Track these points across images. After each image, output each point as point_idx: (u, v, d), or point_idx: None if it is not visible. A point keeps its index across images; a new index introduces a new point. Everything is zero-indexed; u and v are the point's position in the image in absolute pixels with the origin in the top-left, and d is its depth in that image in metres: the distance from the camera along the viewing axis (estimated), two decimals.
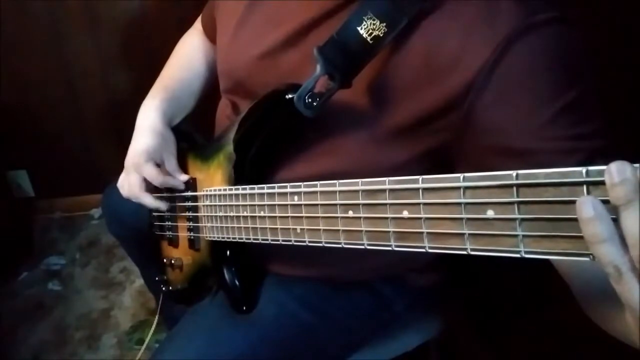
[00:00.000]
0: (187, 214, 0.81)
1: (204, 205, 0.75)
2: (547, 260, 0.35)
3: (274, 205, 0.58)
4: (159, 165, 0.80)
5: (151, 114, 0.80)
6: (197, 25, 0.99)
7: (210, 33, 0.92)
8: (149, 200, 0.81)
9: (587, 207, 0.30)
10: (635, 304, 0.31)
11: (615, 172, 0.30)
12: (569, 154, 0.51)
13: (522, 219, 0.35)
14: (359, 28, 0.57)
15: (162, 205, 0.83)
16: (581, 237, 0.32)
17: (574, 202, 0.32)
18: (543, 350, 1.04)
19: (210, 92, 0.95)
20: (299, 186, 0.53)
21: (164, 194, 0.84)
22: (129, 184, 0.81)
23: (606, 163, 0.30)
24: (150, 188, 0.81)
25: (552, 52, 0.53)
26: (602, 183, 0.30)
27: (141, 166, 0.78)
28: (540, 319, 1.04)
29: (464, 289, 1.01)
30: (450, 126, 0.58)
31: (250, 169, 0.71)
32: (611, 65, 0.81)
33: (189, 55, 0.96)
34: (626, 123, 0.76)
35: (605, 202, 0.31)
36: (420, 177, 0.40)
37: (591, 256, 0.32)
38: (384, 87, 0.60)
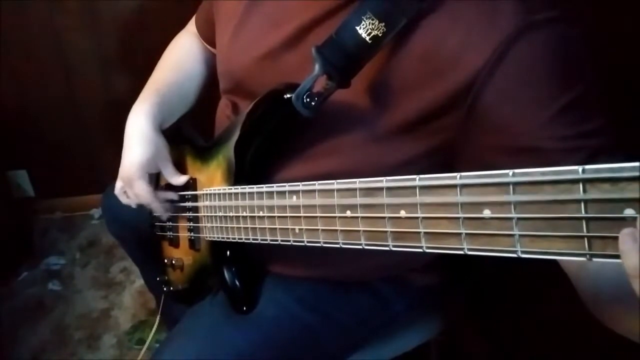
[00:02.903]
0: (187, 214, 0.81)
1: (203, 206, 0.75)
2: (546, 259, 0.35)
3: (273, 205, 0.57)
4: (158, 173, 0.80)
5: (141, 119, 0.79)
6: (190, 28, 0.97)
7: (206, 34, 0.91)
8: (158, 207, 0.82)
9: (627, 239, 0.30)
10: None
11: None
12: (571, 152, 0.51)
13: (519, 219, 0.34)
14: (357, 28, 0.57)
15: (166, 214, 0.84)
16: (578, 237, 0.32)
17: (570, 201, 0.32)
18: (543, 349, 1.04)
19: (210, 92, 0.95)
20: (298, 185, 0.53)
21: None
22: (136, 194, 0.80)
23: (609, 161, 0.30)
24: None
25: (553, 51, 0.52)
26: (599, 181, 0.30)
27: (134, 181, 0.78)
28: (540, 319, 1.04)
29: (464, 288, 1.01)
30: (451, 125, 0.58)
31: (250, 170, 0.70)
32: (612, 64, 0.81)
33: (180, 58, 0.94)
34: (629, 121, 0.76)
35: (604, 201, 0.30)
36: (417, 177, 0.40)
37: (588, 256, 0.32)
38: (383, 86, 0.59)
